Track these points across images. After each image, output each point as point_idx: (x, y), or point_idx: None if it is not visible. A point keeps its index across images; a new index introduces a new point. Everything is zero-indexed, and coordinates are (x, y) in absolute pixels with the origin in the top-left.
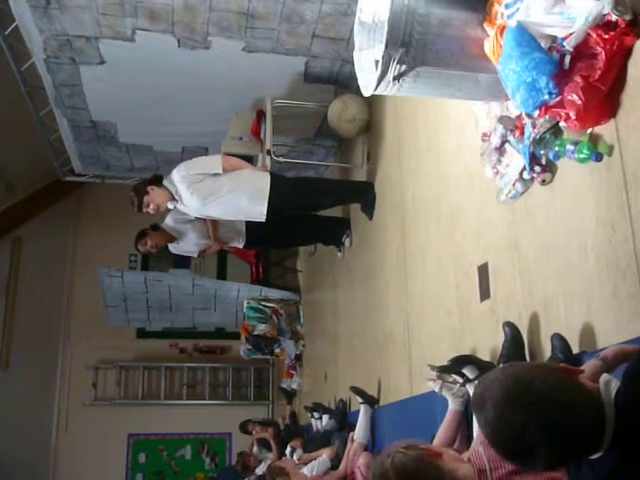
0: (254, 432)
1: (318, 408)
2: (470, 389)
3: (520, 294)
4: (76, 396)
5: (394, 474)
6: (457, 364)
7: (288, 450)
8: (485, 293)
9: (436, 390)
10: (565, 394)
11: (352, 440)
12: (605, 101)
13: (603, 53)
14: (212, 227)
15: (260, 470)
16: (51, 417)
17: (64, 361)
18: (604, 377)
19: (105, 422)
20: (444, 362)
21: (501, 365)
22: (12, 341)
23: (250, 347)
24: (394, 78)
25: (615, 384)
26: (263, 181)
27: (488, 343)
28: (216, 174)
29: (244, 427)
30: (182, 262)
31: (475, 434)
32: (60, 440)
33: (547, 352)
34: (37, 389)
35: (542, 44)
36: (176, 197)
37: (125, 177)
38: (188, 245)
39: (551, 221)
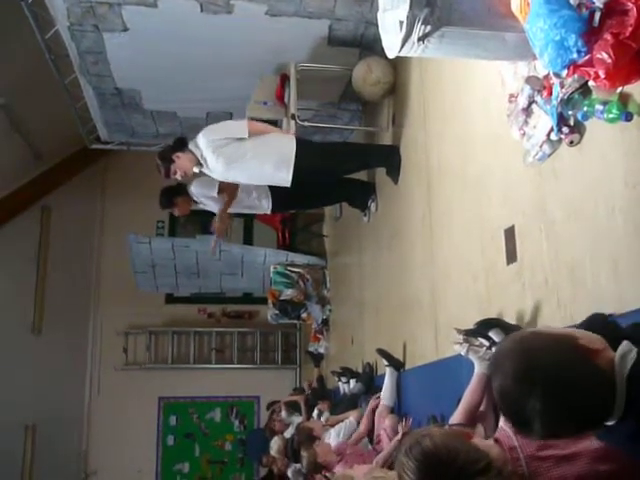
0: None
1: (346, 373)
2: None
3: (547, 257)
4: (107, 361)
5: (434, 451)
6: (483, 327)
7: (316, 412)
8: (512, 256)
9: (462, 353)
10: (569, 367)
11: (375, 399)
12: (636, 59)
13: (634, 9)
14: (226, 200)
15: (288, 433)
16: (83, 381)
17: (95, 327)
18: (622, 348)
19: (136, 386)
20: (470, 325)
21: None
22: (44, 308)
23: (277, 312)
24: (419, 39)
25: (632, 357)
26: (289, 147)
27: (514, 306)
28: (241, 138)
29: (271, 406)
30: (209, 228)
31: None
32: (93, 404)
33: (573, 315)
34: (69, 354)
35: (571, 1)
36: (201, 161)
37: (151, 144)
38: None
39: (579, 183)
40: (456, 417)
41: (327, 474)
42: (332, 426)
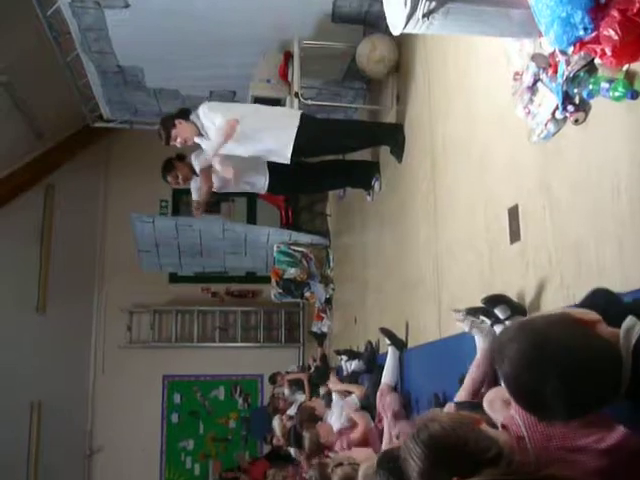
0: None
1: (348, 354)
2: (499, 330)
3: (551, 236)
4: (111, 339)
5: (443, 436)
6: (490, 303)
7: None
8: (515, 235)
9: (466, 329)
10: (580, 350)
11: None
12: None
13: None
14: (205, 184)
15: (291, 411)
16: (88, 359)
17: (99, 305)
18: (627, 322)
19: (140, 364)
20: (472, 305)
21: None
22: (48, 286)
23: (281, 291)
24: (423, 15)
25: (637, 331)
26: (291, 123)
27: (517, 285)
28: (243, 114)
29: (273, 378)
30: (212, 207)
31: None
32: (97, 381)
33: (576, 295)
34: (73, 332)
35: None
36: (202, 132)
37: (153, 122)
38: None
39: (584, 161)
40: (462, 393)
41: (329, 454)
42: (336, 392)
